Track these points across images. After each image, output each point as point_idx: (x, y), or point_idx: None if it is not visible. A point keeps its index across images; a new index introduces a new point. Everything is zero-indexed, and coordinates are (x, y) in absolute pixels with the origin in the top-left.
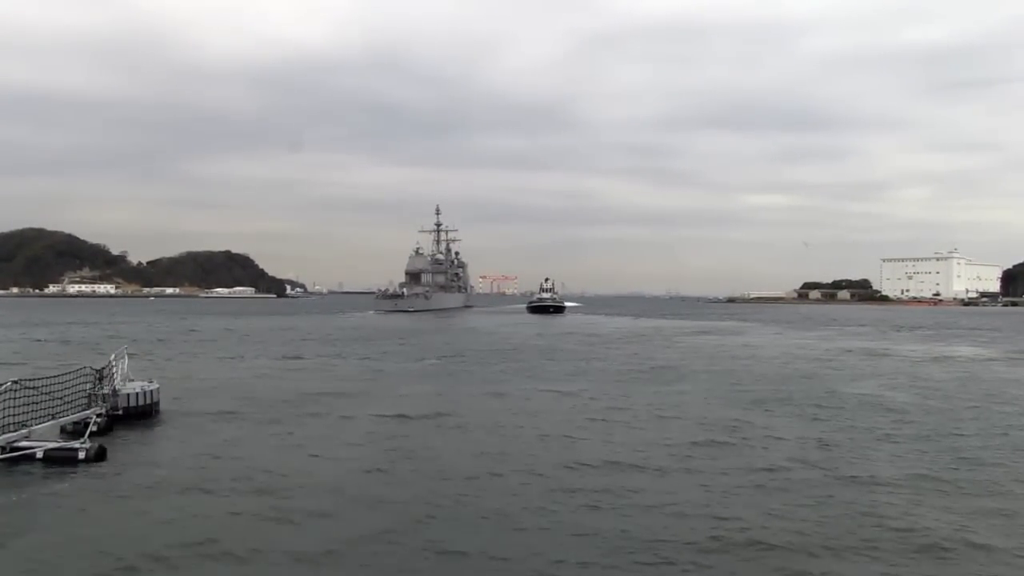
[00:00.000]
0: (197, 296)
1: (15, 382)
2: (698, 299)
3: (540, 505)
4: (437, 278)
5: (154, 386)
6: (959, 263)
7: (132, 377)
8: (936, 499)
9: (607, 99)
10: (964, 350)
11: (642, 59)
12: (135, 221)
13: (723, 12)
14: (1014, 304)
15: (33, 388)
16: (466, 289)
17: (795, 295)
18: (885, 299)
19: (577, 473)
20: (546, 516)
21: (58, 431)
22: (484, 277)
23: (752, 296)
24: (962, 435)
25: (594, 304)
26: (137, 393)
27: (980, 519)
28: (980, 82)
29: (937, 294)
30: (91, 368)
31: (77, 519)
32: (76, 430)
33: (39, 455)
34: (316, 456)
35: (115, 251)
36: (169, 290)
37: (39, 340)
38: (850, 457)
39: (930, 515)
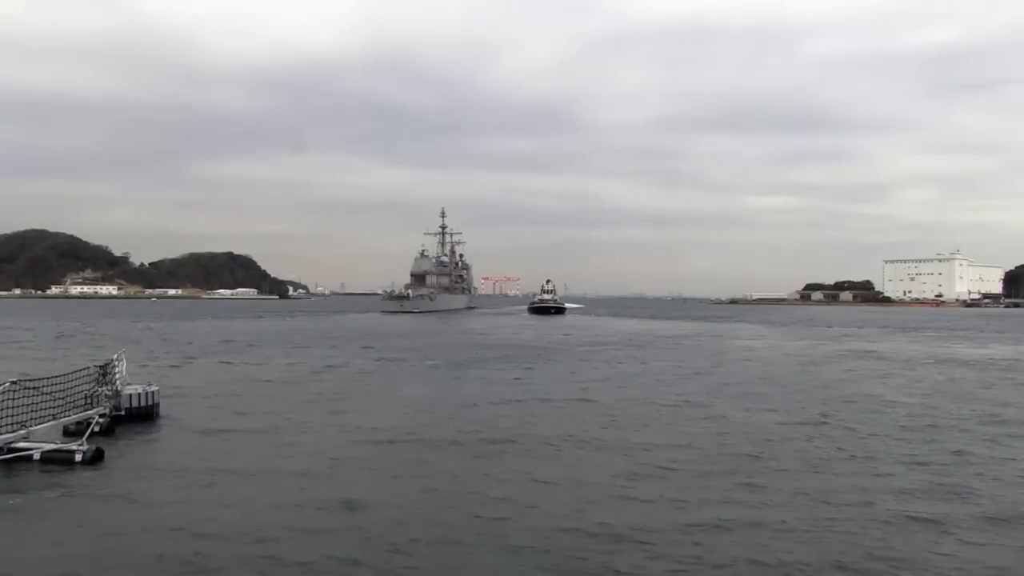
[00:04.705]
0: (199, 297)
1: (13, 383)
2: (700, 300)
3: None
4: (442, 280)
5: (154, 388)
6: (961, 264)
7: (130, 380)
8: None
9: (611, 101)
10: (973, 352)
11: (645, 61)
12: (138, 222)
13: (726, 15)
14: (1016, 305)
15: (32, 389)
16: (470, 291)
17: (797, 296)
18: (887, 300)
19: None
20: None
21: (60, 431)
22: (487, 278)
23: (754, 297)
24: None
25: (595, 305)
26: (138, 394)
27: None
28: (982, 84)
29: (939, 295)
30: (94, 368)
31: (65, 523)
32: (79, 430)
33: (36, 456)
34: (314, 463)
35: (117, 252)
36: (171, 291)
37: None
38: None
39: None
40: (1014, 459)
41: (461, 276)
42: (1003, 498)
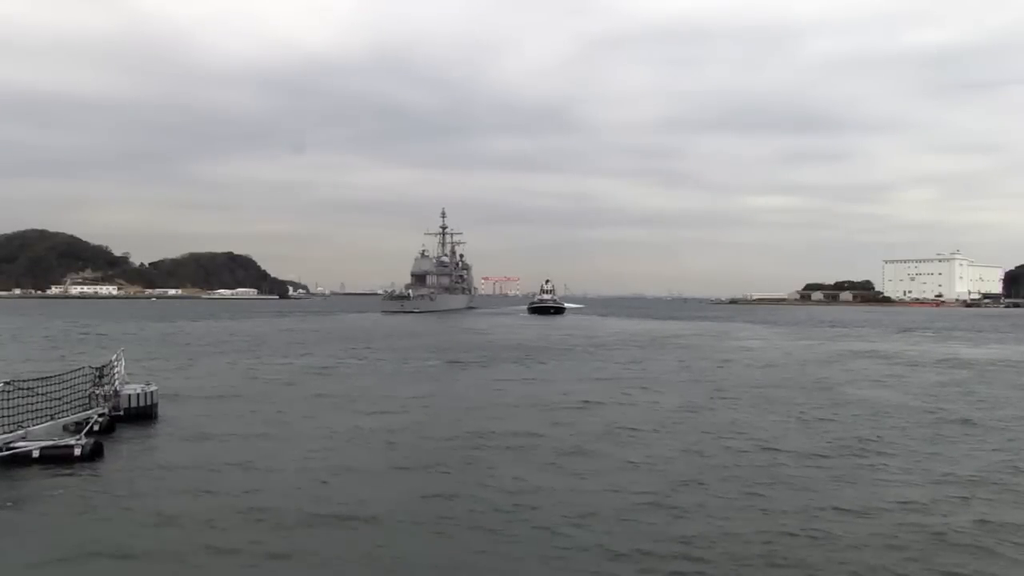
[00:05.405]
0: (199, 297)
1: (7, 383)
2: (700, 301)
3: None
4: (442, 280)
5: (153, 388)
6: (961, 264)
7: (128, 379)
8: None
9: (611, 101)
10: (974, 352)
11: (645, 62)
12: (138, 222)
13: (726, 15)
14: (1016, 305)
15: (27, 389)
16: (470, 291)
17: (797, 296)
18: (887, 300)
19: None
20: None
21: (59, 431)
22: (487, 278)
23: (754, 297)
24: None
25: (595, 305)
26: (137, 394)
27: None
28: (982, 84)
29: (939, 295)
30: (91, 368)
31: (63, 522)
32: (79, 430)
33: (35, 454)
34: (312, 464)
35: (117, 252)
36: (171, 291)
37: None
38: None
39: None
40: (1015, 462)
41: (461, 276)
42: (1001, 505)
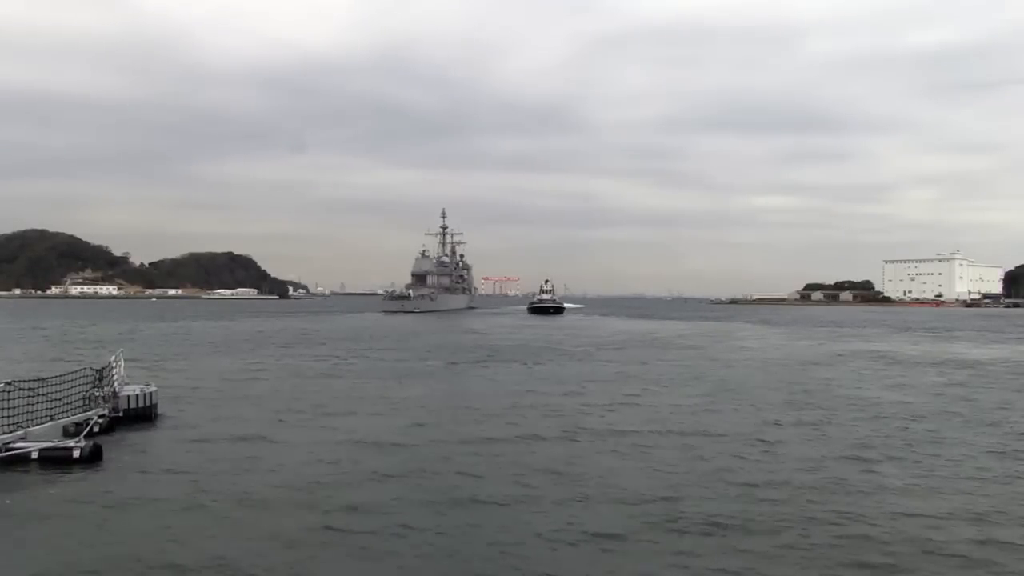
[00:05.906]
0: (199, 297)
1: (7, 384)
2: (700, 300)
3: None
4: (442, 280)
5: (152, 388)
6: (961, 264)
7: (128, 380)
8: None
9: (611, 101)
10: (975, 352)
11: (646, 62)
12: (138, 222)
13: (726, 15)
14: (1016, 305)
15: (27, 390)
16: (470, 291)
17: (797, 296)
18: (887, 300)
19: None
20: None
21: (59, 432)
22: (487, 278)
23: (754, 297)
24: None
25: (595, 305)
26: (136, 395)
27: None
28: (983, 84)
29: (939, 295)
30: (90, 369)
31: (61, 523)
32: (78, 431)
33: (34, 455)
34: (311, 466)
35: (117, 252)
36: (171, 291)
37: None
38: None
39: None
40: (1016, 465)
41: (462, 276)
42: (1003, 508)
